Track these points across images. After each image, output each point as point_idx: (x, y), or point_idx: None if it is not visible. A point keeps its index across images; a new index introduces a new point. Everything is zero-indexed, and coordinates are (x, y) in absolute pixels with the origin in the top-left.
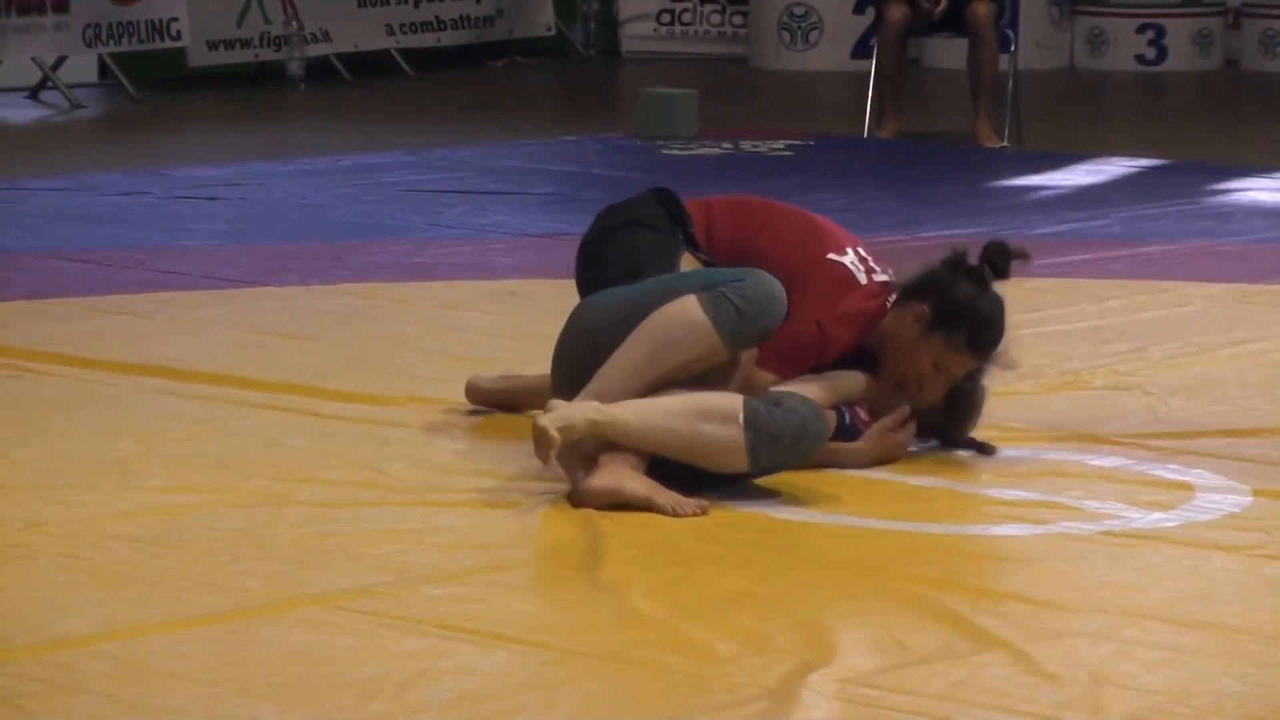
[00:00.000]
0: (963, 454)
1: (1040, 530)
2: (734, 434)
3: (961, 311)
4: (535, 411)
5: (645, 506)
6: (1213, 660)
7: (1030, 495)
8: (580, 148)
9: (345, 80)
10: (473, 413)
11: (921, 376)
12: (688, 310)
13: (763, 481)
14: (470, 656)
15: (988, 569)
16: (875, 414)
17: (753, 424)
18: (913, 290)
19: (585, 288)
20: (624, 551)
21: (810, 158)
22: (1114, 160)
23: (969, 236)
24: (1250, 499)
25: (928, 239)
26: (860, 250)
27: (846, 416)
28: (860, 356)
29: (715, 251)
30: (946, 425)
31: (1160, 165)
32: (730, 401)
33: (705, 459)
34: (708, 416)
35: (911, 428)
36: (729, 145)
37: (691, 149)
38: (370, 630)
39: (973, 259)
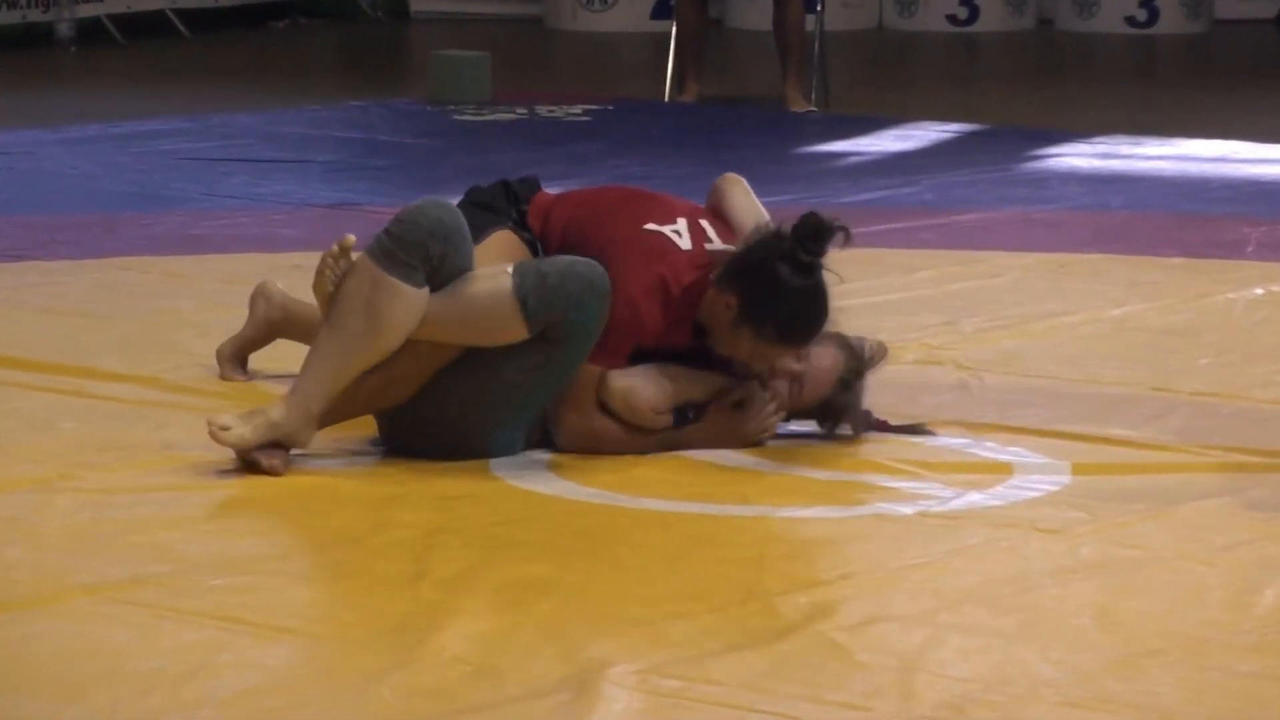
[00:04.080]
0: (796, 434)
1: (853, 512)
2: (502, 283)
3: (770, 302)
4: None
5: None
6: (1029, 645)
7: (843, 476)
8: (366, 113)
9: (118, 42)
10: (254, 390)
11: (747, 363)
12: (498, 277)
13: (565, 464)
14: (252, 649)
15: (797, 553)
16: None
17: (520, 270)
18: (728, 274)
19: None
20: (417, 538)
21: (609, 123)
22: (925, 125)
23: (773, 205)
24: (1069, 477)
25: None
26: (702, 221)
27: (690, 414)
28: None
29: (548, 237)
30: (821, 425)
31: (973, 130)
32: (498, 265)
33: (480, 329)
34: (476, 280)
35: (767, 410)
36: (524, 110)
37: (484, 114)
38: (146, 622)
39: (782, 238)
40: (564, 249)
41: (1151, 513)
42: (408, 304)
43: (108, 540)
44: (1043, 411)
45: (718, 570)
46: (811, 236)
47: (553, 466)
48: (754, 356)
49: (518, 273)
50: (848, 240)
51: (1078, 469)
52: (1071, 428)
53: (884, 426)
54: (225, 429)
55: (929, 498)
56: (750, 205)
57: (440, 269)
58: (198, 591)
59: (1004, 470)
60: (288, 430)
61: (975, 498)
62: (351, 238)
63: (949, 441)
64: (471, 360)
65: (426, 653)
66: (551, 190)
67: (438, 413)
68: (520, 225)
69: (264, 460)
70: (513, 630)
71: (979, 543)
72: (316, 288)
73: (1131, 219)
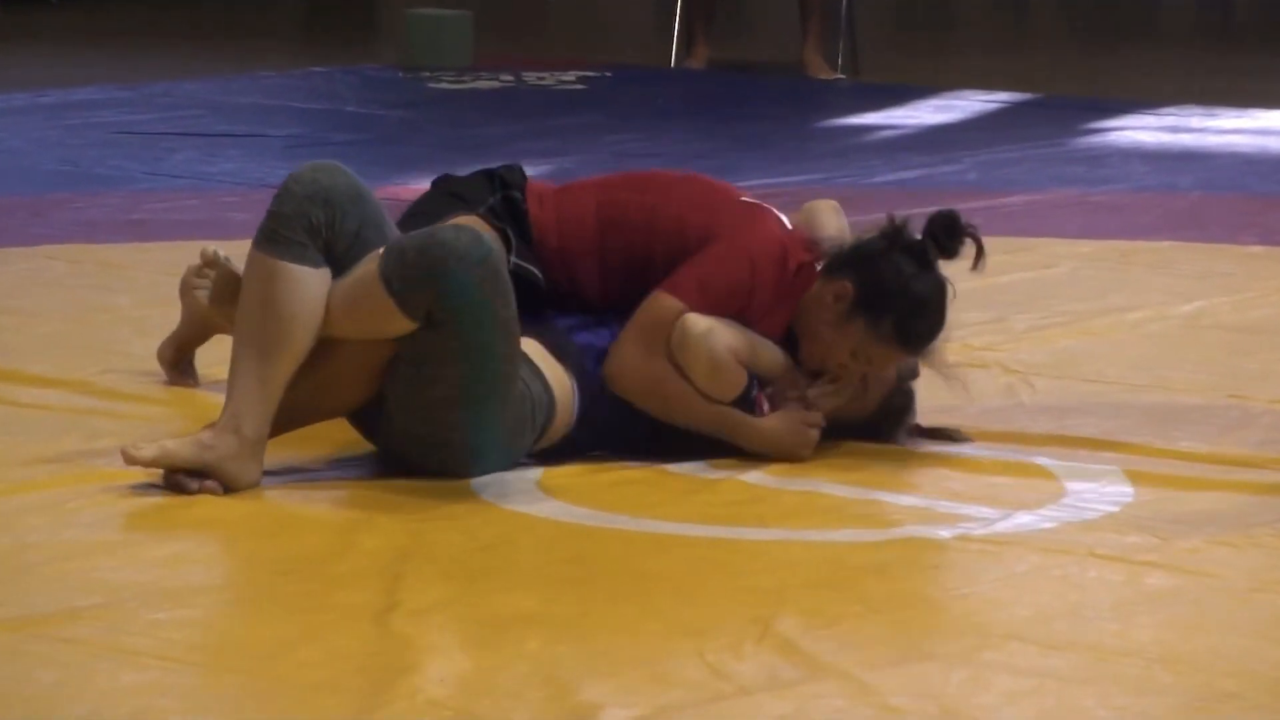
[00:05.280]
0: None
1: (885, 535)
2: (370, 267)
3: (891, 293)
4: None
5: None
6: (1085, 688)
7: (872, 494)
8: (331, 81)
9: (47, 1)
10: (198, 397)
11: (841, 367)
12: (370, 260)
13: (556, 481)
14: (199, 692)
15: (822, 582)
16: (775, 410)
17: (388, 248)
18: (839, 262)
19: None
20: (386, 565)
21: (606, 92)
22: (967, 95)
23: (795, 185)
24: (1131, 496)
25: (747, 189)
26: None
27: (755, 386)
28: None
29: (566, 221)
30: (881, 428)
31: (1022, 100)
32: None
33: (362, 318)
34: (357, 266)
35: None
36: (509, 77)
37: (465, 82)
38: (79, 661)
39: (915, 232)
40: (605, 235)
41: (1225, 537)
42: (305, 287)
43: (34, 569)
44: (1102, 421)
45: (730, 602)
46: (946, 232)
47: (542, 485)
48: (856, 357)
49: (384, 253)
50: (980, 258)
51: (1141, 487)
52: (1135, 440)
53: (915, 431)
54: (139, 450)
55: (971, 519)
56: (844, 229)
57: (336, 238)
58: (137, 627)
59: (1057, 488)
60: (219, 453)
61: (1024, 519)
62: (212, 249)
63: (994, 455)
64: (398, 362)
65: (397, 696)
66: (537, 174)
67: (407, 426)
68: (495, 213)
69: (192, 484)
70: (495, 671)
71: (1028, 570)
72: (189, 307)
73: (1203, 201)
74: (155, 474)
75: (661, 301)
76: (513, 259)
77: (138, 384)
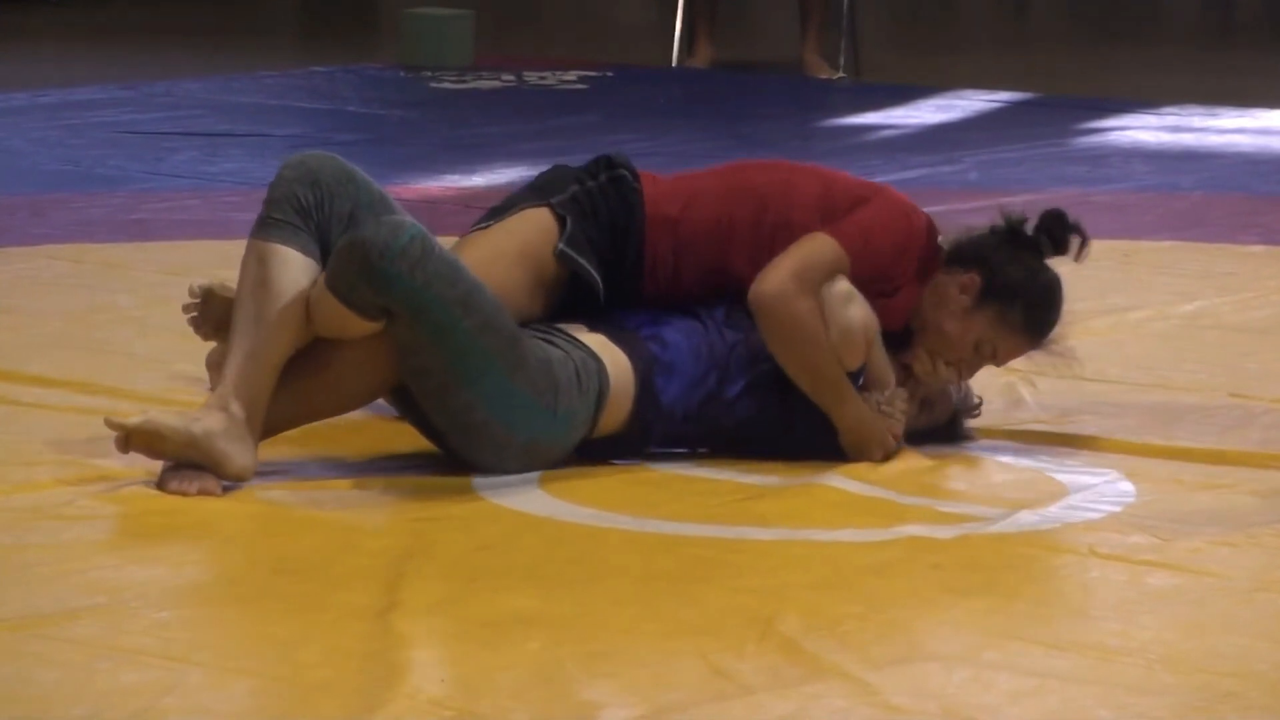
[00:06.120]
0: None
1: (886, 534)
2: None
3: (1018, 286)
4: None
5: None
6: (1087, 688)
7: (874, 492)
8: (332, 80)
9: (47, 0)
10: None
11: (961, 359)
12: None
13: (557, 480)
14: (200, 692)
15: (823, 582)
16: None
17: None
18: (960, 255)
19: None
20: (386, 565)
21: (608, 91)
22: (967, 94)
23: None
24: (1133, 496)
25: None
26: None
27: (860, 379)
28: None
29: (693, 206)
30: (948, 428)
31: (1023, 100)
32: None
33: (326, 320)
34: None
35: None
36: (510, 77)
37: (466, 81)
38: (80, 661)
39: (1028, 227)
40: (728, 197)
41: (1226, 537)
42: (292, 267)
43: (35, 569)
44: (1103, 420)
45: (731, 602)
46: (1058, 227)
47: (543, 483)
48: (980, 348)
49: (330, 257)
50: (1084, 248)
51: (1143, 487)
52: (1136, 439)
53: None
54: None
55: (972, 519)
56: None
57: (328, 221)
58: (138, 627)
59: (1058, 488)
60: (205, 426)
61: (1025, 518)
62: (198, 283)
63: (995, 454)
64: (400, 359)
65: (398, 696)
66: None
67: (438, 422)
68: (574, 203)
69: (191, 486)
70: (496, 671)
71: (1029, 570)
72: (201, 337)
73: (1205, 201)
74: (155, 474)
75: (824, 241)
76: (560, 245)
77: (138, 384)
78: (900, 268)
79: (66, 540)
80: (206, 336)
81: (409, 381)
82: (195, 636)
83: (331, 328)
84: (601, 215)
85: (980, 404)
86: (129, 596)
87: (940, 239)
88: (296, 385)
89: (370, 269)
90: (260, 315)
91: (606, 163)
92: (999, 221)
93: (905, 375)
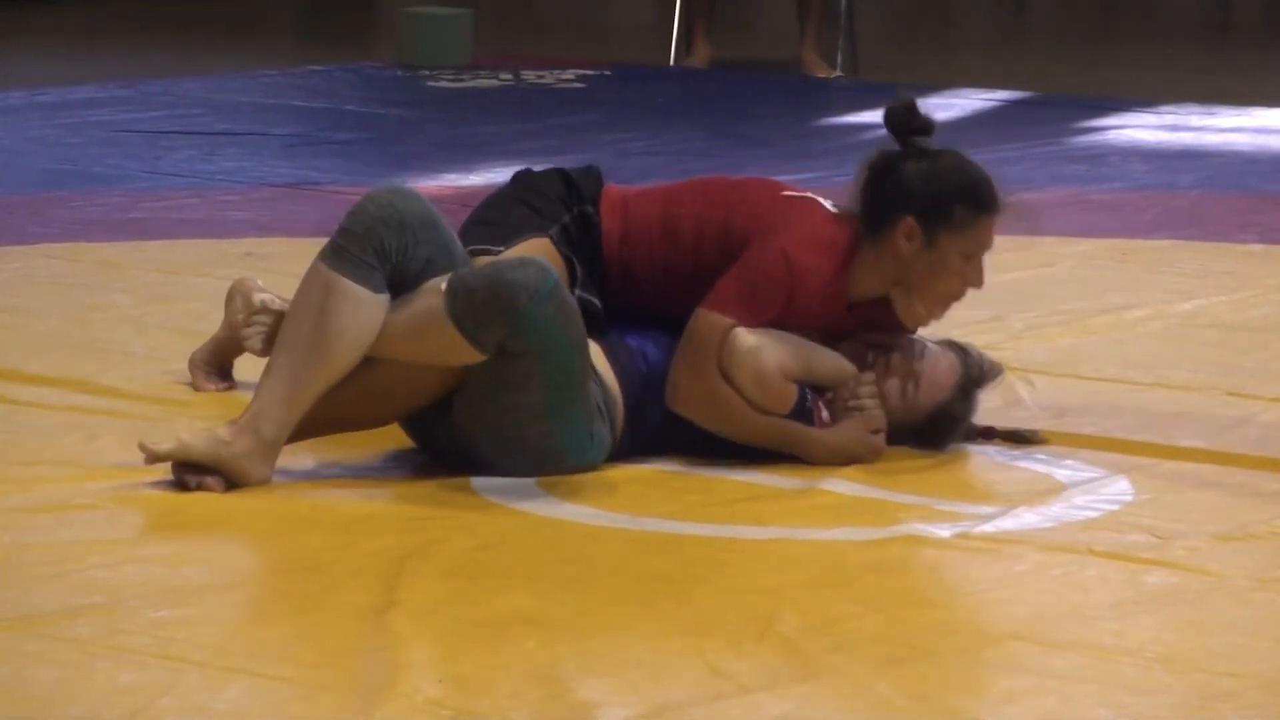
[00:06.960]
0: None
1: (883, 534)
2: (433, 304)
3: (942, 191)
4: None
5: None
6: (1086, 687)
7: (871, 492)
8: (330, 79)
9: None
10: (199, 394)
11: (965, 280)
12: (430, 295)
13: (555, 481)
14: (199, 692)
15: (821, 581)
16: (836, 417)
17: (450, 287)
18: (872, 216)
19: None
20: (386, 565)
21: (606, 90)
22: (966, 93)
23: (795, 182)
24: (1130, 495)
25: None
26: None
27: (809, 396)
28: (870, 320)
29: (630, 236)
30: (925, 435)
31: (1021, 99)
32: (437, 279)
33: (431, 351)
34: (416, 297)
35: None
36: (508, 76)
37: (464, 80)
38: (78, 661)
39: (890, 144)
40: (665, 244)
41: (1225, 536)
42: (362, 308)
43: (32, 567)
44: (1101, 419)
45: (729, 601)
46: (908, 115)
47: (541, 483)
48: (968, 262)
49: (449, 290)
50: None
51: (1141, 485)
52: (1134, 438)
53: (989, 434)
54: (156, 444)
55: (970, 518)
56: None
57: (407, 265)
58: (136, 626)
59: (1056, 486)
60: (235, 450)
61: (1024, 518)
62: (258, 298)
63: (994, 453)
64: (471, 389)
65: (396, 695)
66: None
67: (492, 441)
68: (565, 236)
69: (190, 480)
70: (494, 670)
71: (1027, 570)
72: (258, 353)
73: (1203, 200)
74: (156, 473)
75: (706, 319)
76: (577, 291)
77: (137, 383)
78: (792, 299)
79: (66, 540)
80: (263, 352)
81: (476, 410)
82: (193, 636)
83: (427, 356)
84: (584, 249)
85: (999, 369)
86: (127, 596)
87: (834, 208)
88: (337, 395)
89: (516, 311)
90: (315, 346)
91: (578, 195)
92: (872, 154)
93: (874, 355)
